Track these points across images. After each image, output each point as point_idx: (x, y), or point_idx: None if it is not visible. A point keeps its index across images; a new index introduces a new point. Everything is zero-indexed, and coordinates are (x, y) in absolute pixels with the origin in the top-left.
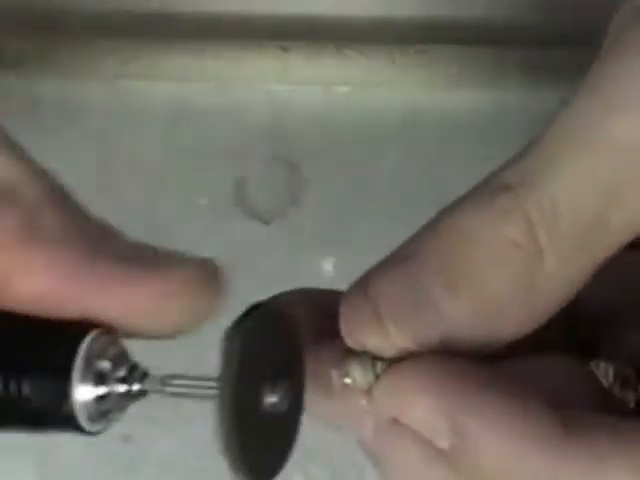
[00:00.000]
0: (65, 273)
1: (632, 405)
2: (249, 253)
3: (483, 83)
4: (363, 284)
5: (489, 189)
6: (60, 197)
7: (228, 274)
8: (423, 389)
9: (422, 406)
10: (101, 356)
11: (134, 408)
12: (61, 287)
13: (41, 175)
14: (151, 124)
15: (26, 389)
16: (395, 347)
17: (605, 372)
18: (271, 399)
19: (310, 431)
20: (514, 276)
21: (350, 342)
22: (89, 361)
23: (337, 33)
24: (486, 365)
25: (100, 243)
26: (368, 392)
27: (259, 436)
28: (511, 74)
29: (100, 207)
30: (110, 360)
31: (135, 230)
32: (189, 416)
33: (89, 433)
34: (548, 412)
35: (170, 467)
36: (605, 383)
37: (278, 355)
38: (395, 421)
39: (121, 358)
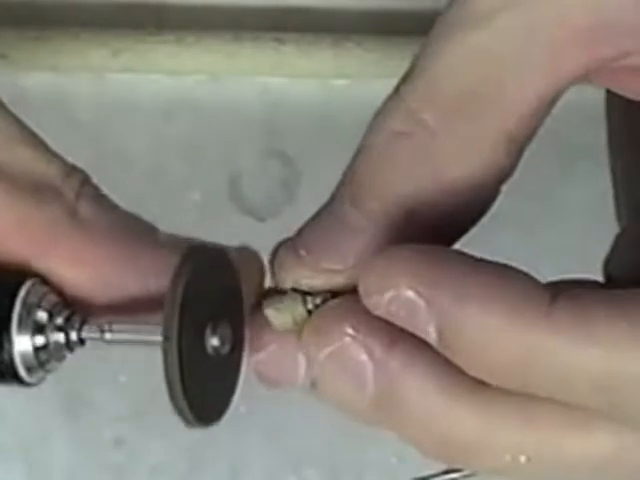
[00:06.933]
0: (112, 262)
1: None
2: None
3: None
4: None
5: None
6: (95, 191)
7: None
8: (341, 324)
9: (339, 339)
10: (38, 305)
11: (125, 411)
12: (107, 276)
13: (73, 170)
14: (142, 117)
15: None
16: (310, 271)
17: None
18: (213, 342)
19: (305, 432)
20: (411, 164)
21: (278, 280)
22: (27, 310)
23: (334, 25)
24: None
25: (141, 232)
26: (297, 330)
27: (204, 380)
28: None
29: None
30: (47, 309)
31: None
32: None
33: (27, 384)
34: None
35: (162, 471)
36: None
37: (218, 297)
38: (324, 357)
39: (58, 307)
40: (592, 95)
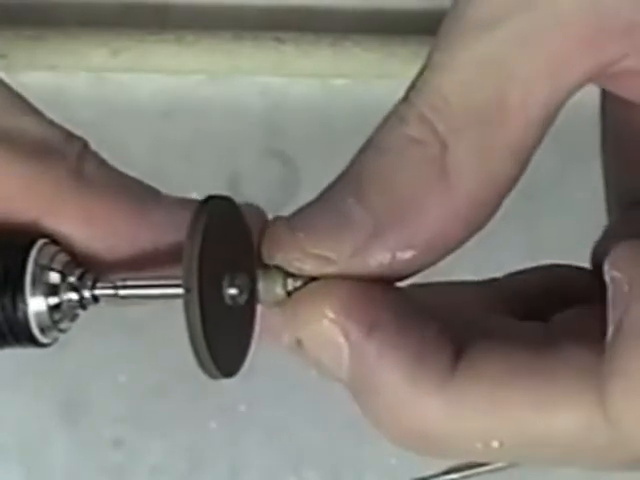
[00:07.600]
0: (122, 217)
1: None
2: None
3: None
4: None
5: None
6: (96, 154)
7: None
8: (325, 307)
9: (321, 322)
10: (50, 265)
11: (124, 411)
12: (117, 232)
13: (73, 136)
14: (142, 117)
15: None
16: (303, 254)
17: None
18: (231, 292)
19: (305, 432)
20: (422, 171)
21: (264, 255)
22: (39, 271)
23: (333, 24)
24: (399, 291)
25: (147, 190)
26: (280, 306)
27: (224, 331)
28: None
29: None
30: (59, 268)
31: None
32: (181, 419)
33: (41, 345)
34: (440, 343)
35: (162, 472)
36: None
37: (232, 247)
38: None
39: (69, 265)
40: (591, 95)
